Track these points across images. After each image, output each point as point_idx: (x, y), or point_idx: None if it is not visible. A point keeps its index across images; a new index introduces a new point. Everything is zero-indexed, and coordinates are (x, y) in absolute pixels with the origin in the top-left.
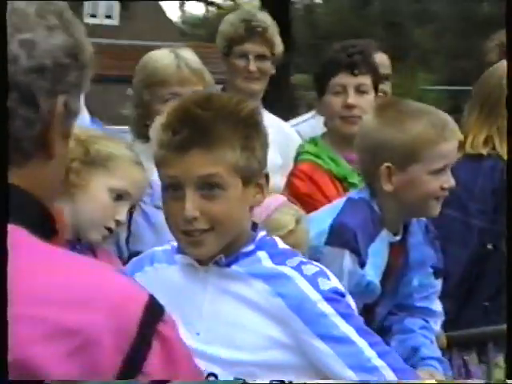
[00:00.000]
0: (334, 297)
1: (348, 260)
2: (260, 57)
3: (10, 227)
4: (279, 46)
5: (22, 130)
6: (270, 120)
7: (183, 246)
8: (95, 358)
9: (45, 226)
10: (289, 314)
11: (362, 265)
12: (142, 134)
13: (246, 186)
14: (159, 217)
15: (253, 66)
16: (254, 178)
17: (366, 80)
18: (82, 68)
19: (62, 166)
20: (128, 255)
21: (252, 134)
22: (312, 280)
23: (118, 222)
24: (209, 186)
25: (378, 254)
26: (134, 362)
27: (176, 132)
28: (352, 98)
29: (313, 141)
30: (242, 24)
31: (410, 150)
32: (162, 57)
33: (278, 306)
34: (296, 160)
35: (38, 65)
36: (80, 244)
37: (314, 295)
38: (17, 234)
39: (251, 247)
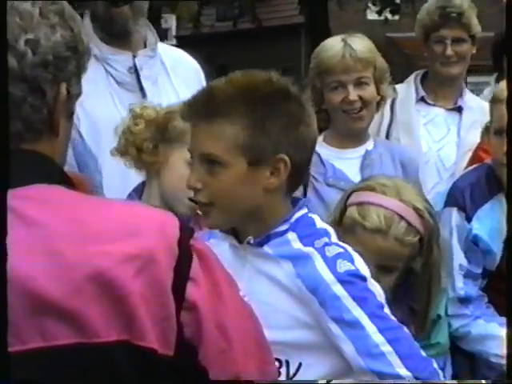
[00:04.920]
0: (349, 279)
1: (456, 216)
2: (457, 40)
3: (44, 186)
4: (477, 27)
5: (32, 115)
6: (472, 102)
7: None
8: (156, 274)
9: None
10: (308, 295)
11: (469, 220)
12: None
13: (253, 166)
14: (331, 194)
15: (449, 51)
16: (263, 159)
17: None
18: (80, 57)
19: (65, 143)
20: None
21: (266, 113)
22: (331, 262)
23: None
24: (210, 162)
25: (492, 215)
26: (182, 271)
27: (191, 104)
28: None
29: None
30: (437, 11)
31: None
32: (332, 45)
33: (299, 288)
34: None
35: (42, 60)
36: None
37: (329, 277)
38: (56, 191)
39: (283, 227)
